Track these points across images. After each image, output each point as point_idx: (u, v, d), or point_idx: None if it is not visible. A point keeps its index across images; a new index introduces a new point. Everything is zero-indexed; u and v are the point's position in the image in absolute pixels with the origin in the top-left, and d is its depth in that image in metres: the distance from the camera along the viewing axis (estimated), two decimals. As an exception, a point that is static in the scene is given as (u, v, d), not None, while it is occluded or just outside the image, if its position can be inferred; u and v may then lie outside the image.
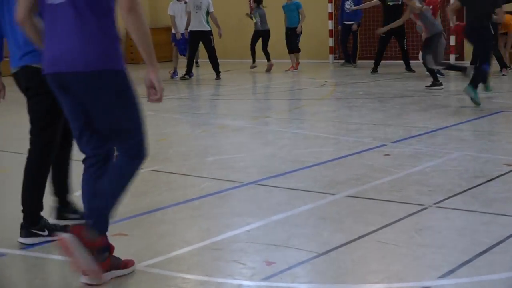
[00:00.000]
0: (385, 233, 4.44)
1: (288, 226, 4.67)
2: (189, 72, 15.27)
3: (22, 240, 4.43)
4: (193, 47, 15.20)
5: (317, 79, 14.82)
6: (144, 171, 6.33)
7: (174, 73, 15.48)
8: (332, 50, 19.29)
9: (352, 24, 17.11)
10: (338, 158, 6.70)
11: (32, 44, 4.06)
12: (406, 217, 4.76)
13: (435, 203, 5.01)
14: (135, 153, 3.77)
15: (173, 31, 15.77)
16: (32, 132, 4.51)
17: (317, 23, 19.30)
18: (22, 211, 4.49)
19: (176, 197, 5.47)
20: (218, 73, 15.22)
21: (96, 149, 3.81)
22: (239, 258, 4.07)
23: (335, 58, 19.28)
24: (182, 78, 15.20)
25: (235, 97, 12.61)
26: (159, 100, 3.68)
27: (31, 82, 4.36)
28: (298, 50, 16.67)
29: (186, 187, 5.81)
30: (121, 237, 4.47)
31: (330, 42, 19.22)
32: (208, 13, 15.10)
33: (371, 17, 17.95)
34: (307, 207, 5.07)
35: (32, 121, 4.50)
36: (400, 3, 15.03)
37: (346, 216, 4.87)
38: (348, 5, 17.00)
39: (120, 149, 3.79)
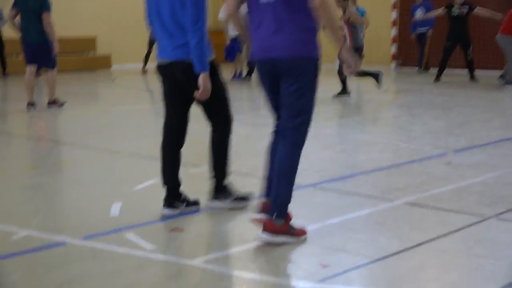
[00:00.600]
0: (443, 242, 4.37)
1: (345, 230, 4.64)
2: (251, 73, 15.36)
3: (165, 211, 4.97)
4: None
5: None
6: (202, 170, 6.40)
7: (235, 75, 15.61)
8: (394, 57, 19.16)
9: (427, 30, 17.23)
10: (398, 164, 6.63)
11: (181, 39, 4.69)
12: (465, 227, 4.67)
13: (496, 215, 4.91)
14: (300, 131, 4.40)
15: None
16: (212, 120, 5.07)
17: (380, 29, 19.21)
18: (166, 185, 5.03)
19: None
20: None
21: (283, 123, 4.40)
22: (294, 259, 4.07)
23: (397, 65, 19.16)
24: (244, 79, 15.33)
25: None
26: (353, 72, 4.32)
27: (188, 75, 4.77)
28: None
29: (244, 187, 5.81)
30: (178, 233, 4.52)
31: (393, 48, 19.10)
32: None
33: (440, 25, 17.74)
34: (364, 212, 5.03)
35: (209, 112, 5.03)
36: (465, 14, 14.82)
37: (403, 223, 4.81)
38: (419, 13, 16.97)
39: (290, 126, 4.36)
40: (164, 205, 5.02)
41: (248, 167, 6.50)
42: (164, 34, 4.84)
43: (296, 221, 4.55)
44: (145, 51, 17.91)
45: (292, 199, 5.12)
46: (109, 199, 5.39)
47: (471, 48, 15.07)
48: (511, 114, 10.09)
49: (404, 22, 18.63)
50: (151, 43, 17.46)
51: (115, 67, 19.65)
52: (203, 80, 4.69)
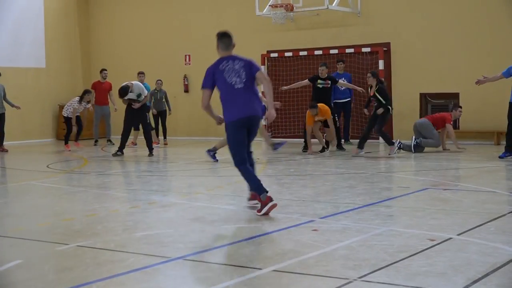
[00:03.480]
0: (310, 307, 4.46)
1: (214, 301, 4.65)
2: (121, 149, 15.31)
3: None
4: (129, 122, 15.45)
5: (250, 156, 14.98)
6: (70, 246, 6.27)
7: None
8: (267, 128, 19.59)
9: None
10: (267, 233, 6.74)
11: None
12: (331, 291, 4.80)
13: (359, 277, 5.07)
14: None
15: None
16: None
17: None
18: None
19: (102, 272, 5.39)
20: (151, 149, 15.29)
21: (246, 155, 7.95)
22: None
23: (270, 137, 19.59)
24: (114, 155, 15.22)
25: (167, 174, 12.62)
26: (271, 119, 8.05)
27: None
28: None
29: (112, 262, 5.74)
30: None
31: (263, 120, 19.54)
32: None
33: (303, 97, 18.40)
34: (233, 282, 5.05)
35: None
36: (329, 86, 15.50)
37: (272, 290, 4.87)
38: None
39: (251, 156, 8.20)
40: None
41: (117, 243, 6.43)
42: None
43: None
44: None
45: (162, 272, 5.09)
46: None
47: (337, 117, 15.75)
48: (374, 181, 10.50)
49: (274, 94, 19.16)
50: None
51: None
52: None
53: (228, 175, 11.77)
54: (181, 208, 8.49)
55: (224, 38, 7.99)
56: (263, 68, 16.55)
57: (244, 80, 7.77)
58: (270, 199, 7.67)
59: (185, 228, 7.13)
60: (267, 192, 7.71)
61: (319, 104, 14.83)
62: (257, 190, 7.74)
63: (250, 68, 7.85)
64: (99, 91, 19.15)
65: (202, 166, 13.37)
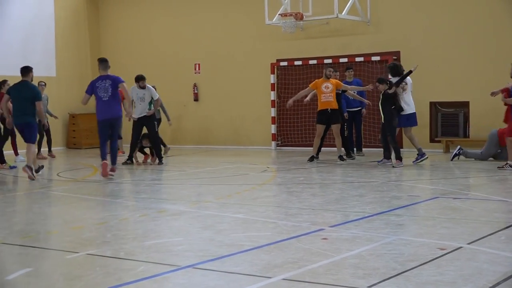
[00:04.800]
0: (320, 316, 4.44)
1: (223, 309, 4.64)
2: (131, 157, 15.34)
3: None
4: (136, 132, 15.41)
5: (259, 164, 14.98)
6: (80, 255, 6.28)
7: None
8: (274, 137, 19.61)
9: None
10: (276, 242, 6.73)
11: None
12: (340, 300, 4.78)
13: (369, 286, 5.05)
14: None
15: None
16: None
17: (261, 110, 19.75)
18: None
19: (111, 281, 5.39)
20: (160, 158, 15.31)
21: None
22: None
23: (277, 145, 19.60)
24: (124, 163, 15.25)
25: (176, 182, 12.63)
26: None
27: None
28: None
29: (122, 270, 5.75)
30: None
31: (273, 128, 19.56)
32: (151, 101, 15.45)
33: (313, 105, 18.38)
34: (243, 291, 5.06)
35: None
36: (339, 92, 15.43)
37: (281, 299, 4.86)
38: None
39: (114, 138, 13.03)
40: None
41: (126, 251, 6.44)
42: None
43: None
44: None
45: (171, 280, 5.09)
46: None
47: (345, 125, 15.73)
48: (384, 190, 10.48)
49: (283, 102, 19.16)
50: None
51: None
52: None
53: (237, 184, 11.77)
54: (190, 216, 8.49)
55: (103, 62, 12.57)
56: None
57: (109, 95, 12.36)
58: (106, 166, 12.37)
59: (195, 237, 7.12)
60: (105, 160, 12.43)
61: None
62: (102, 156, 12.51)
63: (115, 84, 12.35)
64: None
65: (211, 174, 13.38)
